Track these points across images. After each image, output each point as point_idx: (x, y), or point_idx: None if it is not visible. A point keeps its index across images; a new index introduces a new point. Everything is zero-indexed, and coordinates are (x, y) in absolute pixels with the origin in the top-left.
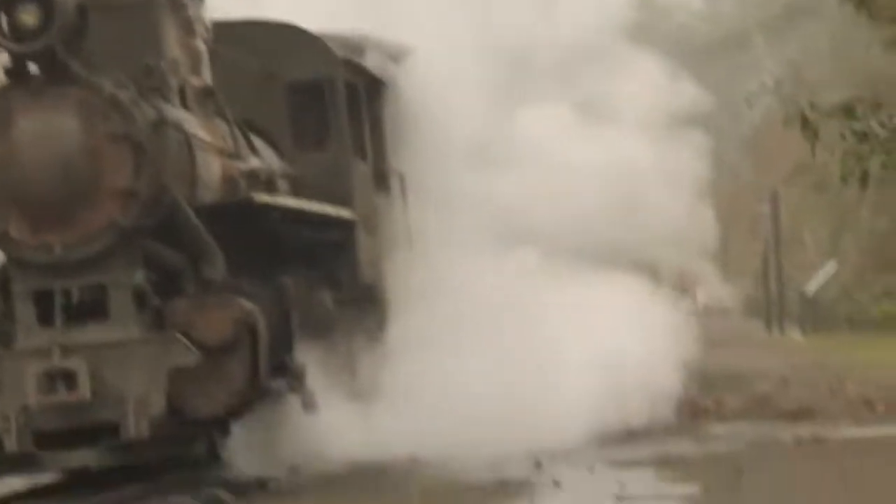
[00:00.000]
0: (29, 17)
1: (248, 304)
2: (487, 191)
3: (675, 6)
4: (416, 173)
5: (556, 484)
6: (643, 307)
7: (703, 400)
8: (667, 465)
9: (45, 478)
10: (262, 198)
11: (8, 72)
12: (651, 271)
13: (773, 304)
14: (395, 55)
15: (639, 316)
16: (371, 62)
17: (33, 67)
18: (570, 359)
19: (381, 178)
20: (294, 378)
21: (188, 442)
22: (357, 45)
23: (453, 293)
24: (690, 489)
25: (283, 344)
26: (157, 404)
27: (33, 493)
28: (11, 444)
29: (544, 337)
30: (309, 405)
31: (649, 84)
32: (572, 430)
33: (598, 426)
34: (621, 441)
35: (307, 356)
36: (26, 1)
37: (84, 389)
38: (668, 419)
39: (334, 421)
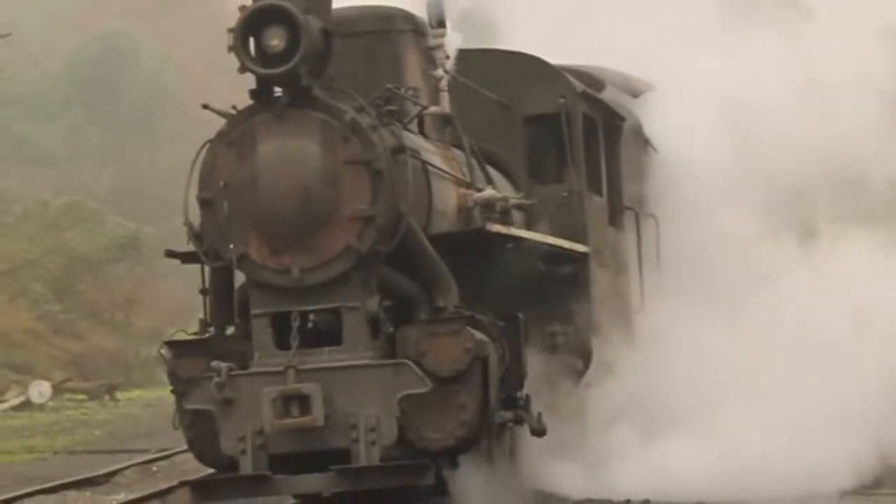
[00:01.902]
0: (276, 40)
1: (480, 335)
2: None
3: None
4: (653, 209)
5: None
6: None
7: None
8: None
9: (275, 501)
10: (496, 227)
11: (253, 94)
12: None
13: None
14: (635, 90)
15: None
16: (609, 96)
17: (277, 90)
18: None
19: (616, 214)
20: (521, 409)
21: (418, 472)
22: (596, 79)
23: (696, 330)
24: None
25: (512, 377)
26: (389, 432)
27: None
28: (246, 467)
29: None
30: (538, 430)
31: None
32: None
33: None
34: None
35: (536, 390)
36: (273, 25)
37: (318, 414)
38: None
39: (561, 460)
